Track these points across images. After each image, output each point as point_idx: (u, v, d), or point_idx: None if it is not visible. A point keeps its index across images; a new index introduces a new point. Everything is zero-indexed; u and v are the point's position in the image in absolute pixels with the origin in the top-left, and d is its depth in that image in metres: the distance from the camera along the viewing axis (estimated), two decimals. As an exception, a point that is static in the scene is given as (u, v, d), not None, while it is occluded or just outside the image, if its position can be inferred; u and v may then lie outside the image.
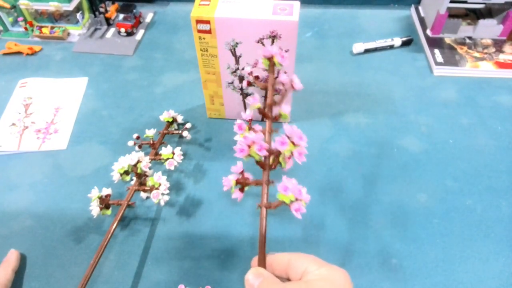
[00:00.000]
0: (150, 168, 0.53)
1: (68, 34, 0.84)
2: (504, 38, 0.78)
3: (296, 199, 0.33)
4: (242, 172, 0.36)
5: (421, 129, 0.64)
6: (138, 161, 0.51)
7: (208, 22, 0.51)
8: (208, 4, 0.52)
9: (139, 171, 0.51)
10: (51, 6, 0.80)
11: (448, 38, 0.79)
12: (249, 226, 0.52)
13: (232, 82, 0.59)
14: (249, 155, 0.34)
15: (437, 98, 0.69)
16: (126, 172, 0.51)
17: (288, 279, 0.33)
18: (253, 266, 0.34)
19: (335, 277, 0.31)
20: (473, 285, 0.47)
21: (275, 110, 0.36)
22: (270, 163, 0.35)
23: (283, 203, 0.34)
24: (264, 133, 0.35)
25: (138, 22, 0.85)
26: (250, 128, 0.35)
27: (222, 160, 0.60)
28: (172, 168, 0.55)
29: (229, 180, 0.35)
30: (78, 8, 0.84)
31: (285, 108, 0.36)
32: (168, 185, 0.52)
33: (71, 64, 0.78)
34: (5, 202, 0.57)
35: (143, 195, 0.55)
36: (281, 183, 0.33)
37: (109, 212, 0.52)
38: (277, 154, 0.35)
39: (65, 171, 0.60)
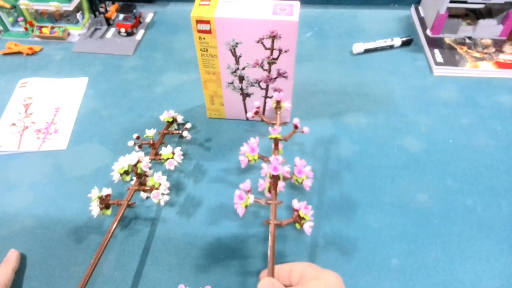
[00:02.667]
0: (150, 168, 0.53)
1: (68, 34, 0.84)
2: (504, 38, 0.78)
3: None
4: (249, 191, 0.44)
5: (421, 129, 0.64)
6: (138, 161, 0.51)
7: (208, 22, 0.51)
8: (208, 4, 0.52)
9: (139, 171, 0.51)
10: (51, 6, 0.80)
11: (448, 38, 0.79)
12: (249, 226, 0.52)
13: (232, 82, 0.59)
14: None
15: (437, 98, 0.69)
16: (126, 172, 0.51)
17: (291, 285, 0.38)
18: (262, 278, 0.39)
19: (327, 278, 0.36)
20: (473, 285, 0.47)
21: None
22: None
23: (294, 219, 0.43)
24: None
25: (138, 22, 0.85)
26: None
27: (222, 160, 0.60)
28: (172, 168, 0.55)
29: (241, 207, 0.43)
30: (78, 8, 0.84)
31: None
32: (168, 185, 0.52)
33: (71, 64, 0.78)
34: (5, 202, 0.57)
35: (143, 195, 0.55)
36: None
37: (109, 212, 0.52)
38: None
39: (65, 171, 0.60)
